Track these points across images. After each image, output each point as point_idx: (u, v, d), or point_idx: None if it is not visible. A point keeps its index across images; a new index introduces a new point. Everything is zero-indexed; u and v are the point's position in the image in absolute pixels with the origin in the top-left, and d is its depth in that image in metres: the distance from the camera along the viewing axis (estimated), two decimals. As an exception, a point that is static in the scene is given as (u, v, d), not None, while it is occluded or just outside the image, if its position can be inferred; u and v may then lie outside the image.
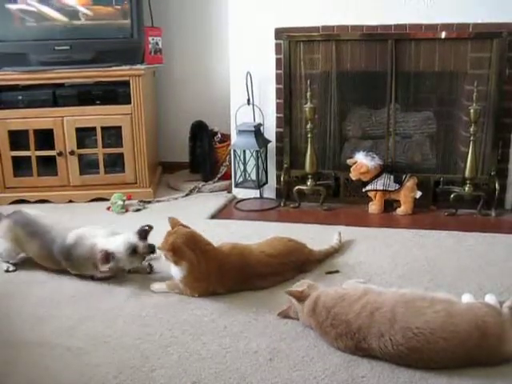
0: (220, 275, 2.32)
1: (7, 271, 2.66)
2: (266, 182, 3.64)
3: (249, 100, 3.54)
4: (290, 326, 2.09)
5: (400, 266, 2.58)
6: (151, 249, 2.43)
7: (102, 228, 2.58)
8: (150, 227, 2.48)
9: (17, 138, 3.65)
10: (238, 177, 3.64)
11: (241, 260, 2.38)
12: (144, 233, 2.45)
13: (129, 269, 2.52)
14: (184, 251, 2.25)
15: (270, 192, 3.69)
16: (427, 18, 3.21)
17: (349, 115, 3.62)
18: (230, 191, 3.79)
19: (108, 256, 2.35)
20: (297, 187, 3.50)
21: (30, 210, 2.77)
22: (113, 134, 3.70)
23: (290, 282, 2.34)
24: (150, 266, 2.59)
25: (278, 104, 3.55)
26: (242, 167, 3.63)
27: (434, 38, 3.24)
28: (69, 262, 2.50)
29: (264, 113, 3.57)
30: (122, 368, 1.87)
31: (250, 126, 3.48)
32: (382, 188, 3.32)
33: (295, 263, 2.49)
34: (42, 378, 1.85)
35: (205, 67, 4.22)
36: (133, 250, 2.39)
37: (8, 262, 2.68)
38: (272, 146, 3.61)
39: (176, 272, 2.31)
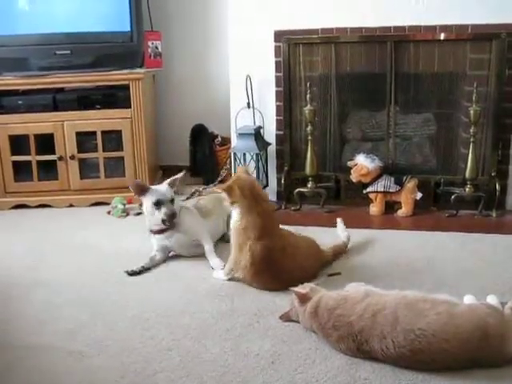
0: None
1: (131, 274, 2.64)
2: (267, 185, 3.64)
3: (249, 103, 3.54)
4: (291, 329, 2.09)
5: (401, 268, 2.58)
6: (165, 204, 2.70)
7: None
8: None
9: (17, 143, 3.65)
10: (238, 180, 3.64)
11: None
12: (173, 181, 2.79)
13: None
14: (237, 193, 2.38)
15: (270, 195, 3.66)
16: (426, 19, 3.22)
17: (349, 117, 3.62)
18: (230, 194, 3.78)
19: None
20: (297, 189, 3.50)
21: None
22: (113, 138, 3.70)
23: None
24: None
25: (277, 107, 3.55)
26: (242, 170, 3.63)
27: (433, 39, 3.24)
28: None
29: (264, 116, 3.58)
30: (124, 372, 1.87)
31: (250, 128, 3.48)
32: (382, 190, 3.32)
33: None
34: (43, 382, 1.85)
35: (204, 71, 4.22)
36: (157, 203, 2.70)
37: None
38: (272, 149, 3.61)
39: (234, 218, 2.46)
